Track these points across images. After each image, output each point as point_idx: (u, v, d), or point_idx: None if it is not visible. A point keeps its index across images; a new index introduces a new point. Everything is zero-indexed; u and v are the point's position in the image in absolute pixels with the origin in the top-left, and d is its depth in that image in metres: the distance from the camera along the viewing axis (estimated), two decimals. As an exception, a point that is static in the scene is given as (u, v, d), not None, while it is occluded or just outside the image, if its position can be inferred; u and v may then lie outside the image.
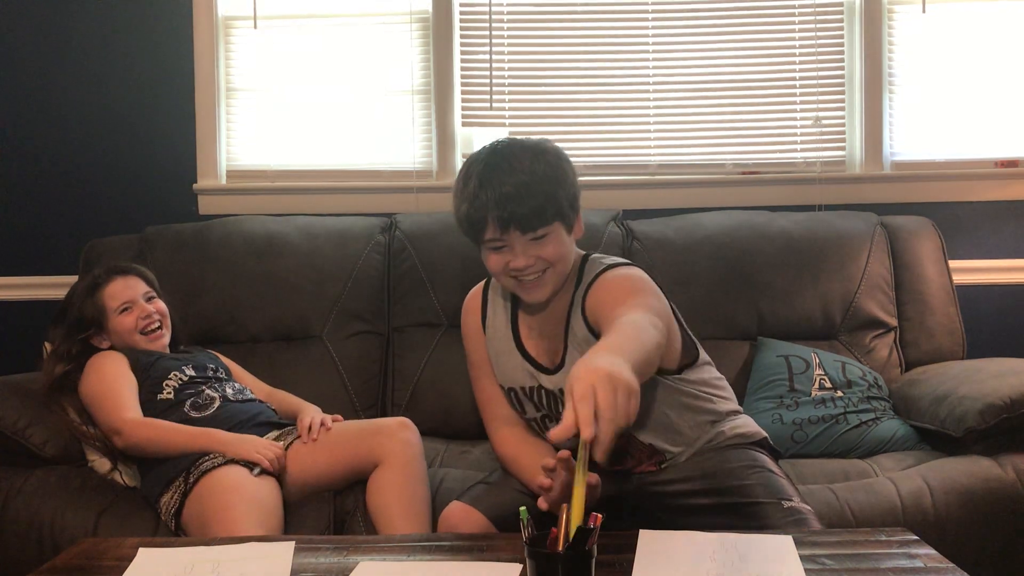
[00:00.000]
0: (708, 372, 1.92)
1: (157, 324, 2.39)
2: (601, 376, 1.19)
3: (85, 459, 2.32)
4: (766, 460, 1.84)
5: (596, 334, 1.72)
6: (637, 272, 1.80)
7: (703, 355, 1.92)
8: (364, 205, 3.02)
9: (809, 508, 1.71)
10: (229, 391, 2.29)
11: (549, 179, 1.71)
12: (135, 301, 2.38)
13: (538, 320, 1.83)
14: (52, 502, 2.14)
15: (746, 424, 1.91)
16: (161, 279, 2.75)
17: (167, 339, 2.42)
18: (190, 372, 2.33)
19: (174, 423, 2.16)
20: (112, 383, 2.23)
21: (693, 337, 1.91)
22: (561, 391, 1.75)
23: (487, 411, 1.94)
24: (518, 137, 1.80)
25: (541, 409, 1.83)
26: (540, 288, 1.75)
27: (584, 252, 1.87)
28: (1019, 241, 3.02)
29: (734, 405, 1.94)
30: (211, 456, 2.08)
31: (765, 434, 1.93)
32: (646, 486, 1.84)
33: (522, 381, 1.83)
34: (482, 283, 1.96)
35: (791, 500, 1.71)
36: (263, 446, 2.10)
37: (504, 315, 1.88)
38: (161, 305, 2.43)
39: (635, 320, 1.52)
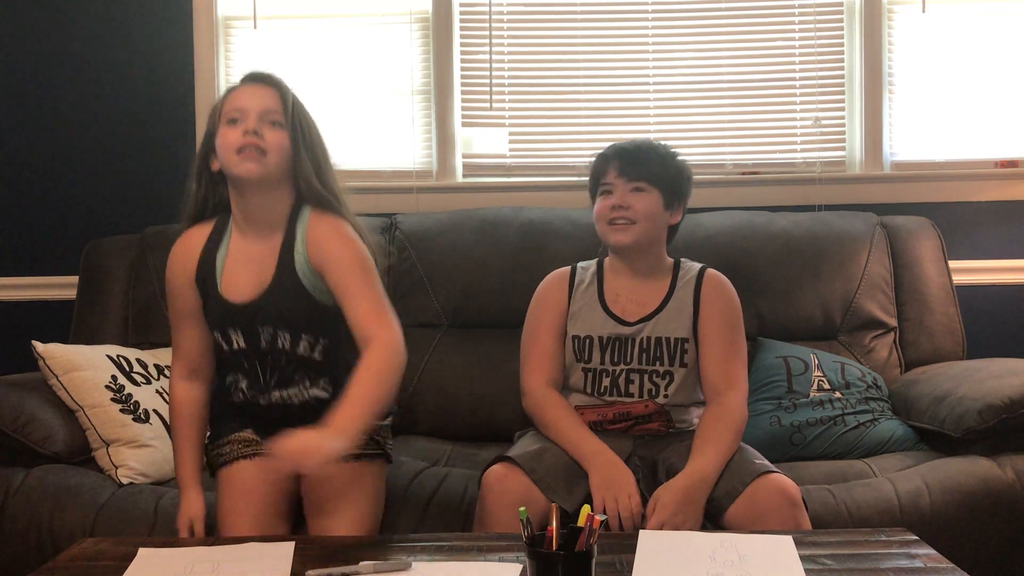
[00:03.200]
0: None
1: (257, 146, 1.81)
2: (679, 508, 1.81)
3: (85, 455, 2.32)
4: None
5: (698, 318, 2.09)
6: (735, 294, 2.15)
7: None
8: (364, 205, 3.00)
9: (770, 464, 1.95)
10: None
11: (664, 157, 2.12)
12: (247, 114, 1.83)
13: (630, 290, 2.13)
14: (51, 500, 2.14)
15: None
16: (161, 279, 2.75)
17: (262, 171, 1.82)
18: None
19: None
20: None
21: None
22: (634, 340, 2.08)
23: (540, 365, 2.12)
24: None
25: (605, 359, 2.08)
26: (624, 232, 2.07)
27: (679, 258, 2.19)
28: (1019, 241, 3.02)
29: None
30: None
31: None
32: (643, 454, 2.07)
33: (600, 331, 2.09)
34: (566, 269, 2.21)
35: (758, 459, 1.96)
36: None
37: (593, 283, 2.16)
38: (279, 138, 1.84)
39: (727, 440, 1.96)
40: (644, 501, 1.88)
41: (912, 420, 2.44)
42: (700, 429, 1.99)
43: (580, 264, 2.24)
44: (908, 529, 1.64)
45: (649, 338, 2.08)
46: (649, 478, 1.99)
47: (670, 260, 2.18)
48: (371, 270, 1.88)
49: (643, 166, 2.09)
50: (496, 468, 1.90)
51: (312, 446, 1.58)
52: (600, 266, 2.20)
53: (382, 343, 1.79)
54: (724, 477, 1.89)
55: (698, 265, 2.18)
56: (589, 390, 2.10)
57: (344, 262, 1.85)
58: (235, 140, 1.82)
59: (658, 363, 2.07)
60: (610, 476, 1.88)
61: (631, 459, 2.03)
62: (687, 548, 1.48)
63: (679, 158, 2.17)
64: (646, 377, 2.07)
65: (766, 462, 1.94)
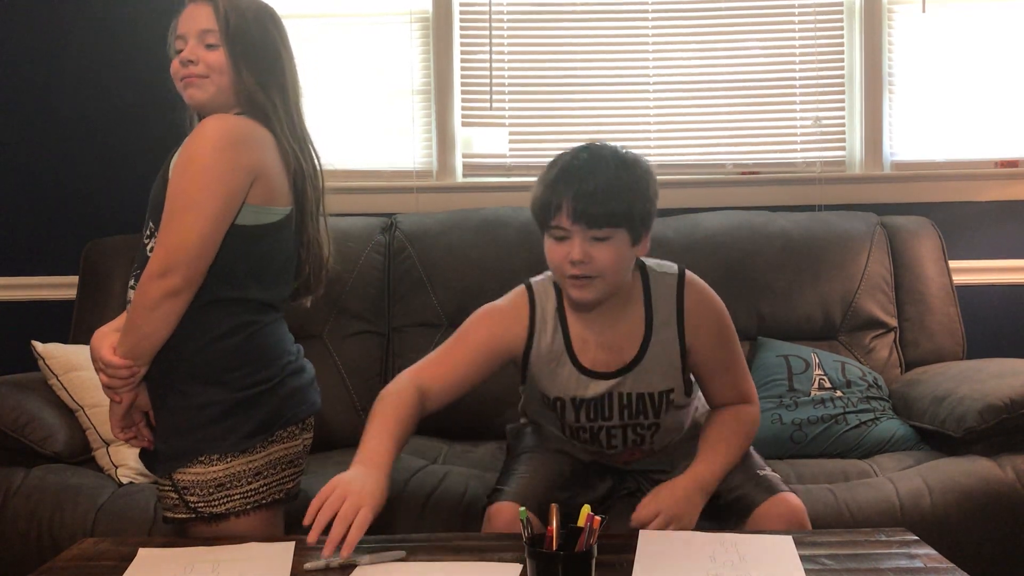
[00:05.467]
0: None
1: (195, 75, 1.78)
2: (680, 511, 1.70)
3: (85, 455, 2.32)
4: None
5: (685, 357, 1.84)
6: (719, 300, 1.88)
7: None
8: (364, 205, 3.02)
9: (776, 475, 1.87)
10: None
11: (630, 189, 1.74)
12: (186, 40, 1.80)
13: (596, 332, 1.83)
14: (51, 500, 2.14)
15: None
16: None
17: (205, 96, 1.79)
18: None
19: None
20: None
21: None
22: (611, 397, 1.83)
23: (425, 371, 1.81)
24: (615, 144, 1.84)
25: (581, 418, 1.85)
26: (586, 289, 1.75)
27: (642, 262, 1.88)
28: (1019, 241, 3.02)
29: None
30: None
31: None
32: (628, 471, 1.98)
33: (573, 391, 1.83)
34: (524, 298, 1.88)
35: (763, 469, 1.86)
36: None
37: (556, 332, 1.84)
38: (216, 58, 1.77)
39: (729, 442, 1.83)
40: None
41: (912, 420, 2.44)
42: (710, 429, 1.86)
43: (536, 290, 1.87)
44: (909, 529, 1.65)
45: (630, 395, 1.83)
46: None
47: (636, 281, 1.85)
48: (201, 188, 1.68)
49: (605, 208, 1.70)
50: (504, 508, 1.78)
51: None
52: (559, 299, 1.85)
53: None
54: (734, 490, 1.81)
55: (671, 276, 1.85)
56: (567, 435, 1.92)
57: (172, 181, 1.72)
58: (178, 70, 1.80)
59: (641, 416, 1.85)
60: (348, 480, 1.52)
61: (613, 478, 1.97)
62: (687, 548, 1.48)
63: (643, 169, 1.80)
64: (629, 430, 1.87)
65: (774, 477, 1.86)
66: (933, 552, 1.46)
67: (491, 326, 1.85)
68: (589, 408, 1.83)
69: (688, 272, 1.87)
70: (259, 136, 1.76)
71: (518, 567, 1.40)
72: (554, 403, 1.85)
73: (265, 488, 1.78)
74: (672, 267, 1.87)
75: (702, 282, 1.88)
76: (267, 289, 1.82)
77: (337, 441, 2.64)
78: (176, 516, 1.76)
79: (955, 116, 3.04)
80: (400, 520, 2.08)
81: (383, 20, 3.10)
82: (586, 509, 1.29)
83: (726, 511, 1.81)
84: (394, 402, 1.73)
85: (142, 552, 1.52)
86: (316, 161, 1.89)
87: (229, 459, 1.74)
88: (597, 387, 1.82)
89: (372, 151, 3.12)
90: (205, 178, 1.69)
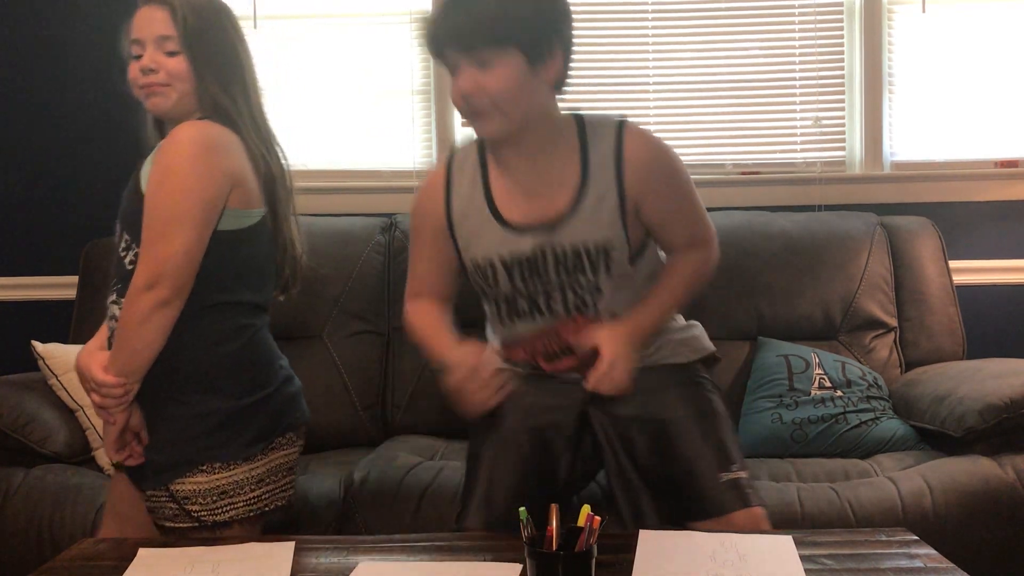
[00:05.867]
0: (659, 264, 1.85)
1: (156, 84, 1.77)
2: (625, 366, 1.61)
3: (85, 455, 2.32)
4: (710, 397, 1.82)
5: (626, 207, 1.68)
6: (666, 146, 1.76)
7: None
8: (364, 205, 3.02)
9: (746, 474, 1.72)
10: None
11: (512, 3, 1.56)
12: (144, 45, 1.78)
13: (521, 181, 1.69)
14: (51, 500, 2.14)
15: (692, 334, 1.92)
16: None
17: (168, 104, 1.79)
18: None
19: None
20: None
21: None
22: (544, 255, 1.68)
23: (413, 286, 1.86)
24: None
25: (517, 282, 1.71)
26: (484, 122, 1.62)
27: (576, 112, 1.75)
28: (1019, 241, 3.02)
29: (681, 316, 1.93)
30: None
31: (712, 347, 1.94)
32: (595, 405, 1.78)
33: (500, 251, 1.69)
34: (442, 163, 1.82)
35: (729, 470, 1.70)
36: None
37: (474, 186, 1.73)
38: (176, 64, 1.76)
39: (675, 295, 1.75)
40: (608, 498, 1.75)
41: (912, 420, 2.44)
42: (659, 280, 1.77)
43: (458, 150, 1.78)
44: (910, 528, 1.65)
45: (564, 249, 1.67)
46: (624, 449, 1.74)
47: (568, 121, 1.71)
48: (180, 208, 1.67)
49: (480, 25, 1.54)
50: (468, 528, 1.72)
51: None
52: (482, 150, 1.73)
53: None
54: (700, 491, 1.68)
55: (610, 123, 1.70)
56: (506, 317, 1.76)
57: (147, 199, 1.71)
58: (137, 77, 1.78)
59: (579, 274, 1.69)
60: (469, 369, 1.61)
61: (590, 423, 1.77)
62: (687, 548, 1.48)
63: None
64: (570, 292, 1.70)
65: (746, 483, 1.72)
66: (933, 552, 1.46)
67: (417, 209, 1.82)
68: (523, 269, 1.69)
69: (630, 121, 1.73)
70: (231, 141, 1.75)
71: (518, 567, 1.40)
72: (486, 271, 1.72)
73: (268, 495, 1.78)
74: (613, 117, 1.73)
75: (645, 130, 1.75)
76: (256, 291, 1.81)
77: (337, 441, 2.65)
78: (178, 526, 1.73)
79: (955, 116, 3.04)
80: (398, 514, 2.09)
81: (382, 20, 3.10)
82: (586, 509, 1.29)
83: (695, 508, 1.70)
84: (423, 318, 1.79)
85: (142, 552, 1.52)
86: (283, 162, 1.88)
87: (232, 467, 1.73)
88: (526, 242, 1.68)
89: (372, 151, 3.12)
90: (185, 188, 1.68)
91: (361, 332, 2.75)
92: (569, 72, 1.70)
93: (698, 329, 1.95)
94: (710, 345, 1.94)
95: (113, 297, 1.77)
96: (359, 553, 1.50)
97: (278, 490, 1.80)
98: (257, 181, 1.79)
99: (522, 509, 1.28)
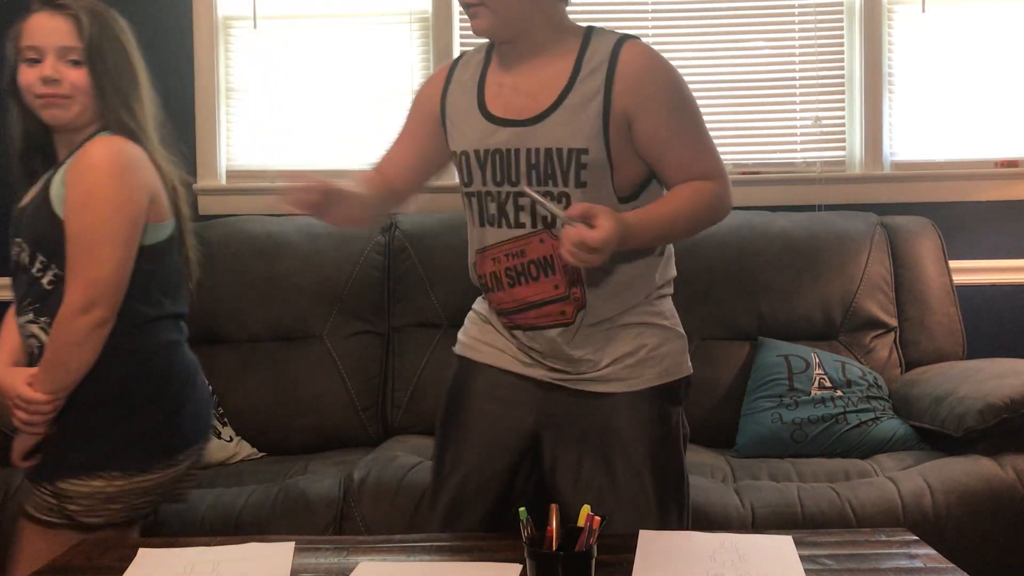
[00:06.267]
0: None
1: (59, 95, 1.73)
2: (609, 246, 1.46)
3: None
4: (669, 446, 1.69)
5: (610, 117, 1.58)
6: (671, 65, 1.65)
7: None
8: (364, 205, 3.01)
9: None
10: None
11: None
12: (44, 53, 1.73)
13: (514, 79, 1.65)
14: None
15: (669, 349, 1.71)
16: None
17: (68, 116, 1.75)
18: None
19: None
20: None
21: None
22: (518, 153, 1.62)
23: (378, 163, 1.84)
24: None
25: (488, 179, 1.65)
26: (476, 17, 1.60)
27: (591, 25, 1.70)
28: (1019, 241, 3.02)
29: (669, 273, 1.76)
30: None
31: (689, 370, 1.73)
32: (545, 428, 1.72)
33: (478, 142, 1.65)
34: (452, 59, 1.81)
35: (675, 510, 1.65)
36: None
37: (473, 77, 1.70)
38: (79, 77, 1.73)
39: (687, 209, 1.61)
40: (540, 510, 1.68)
41: (912, 420, 2.44)
42: (662, 199, 1.64)
43: (471, 49, 1.75)
44: (910, 528, 1.65)
45: (538, 149, 1.59)
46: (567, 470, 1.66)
47: (577, 31, 1.66)
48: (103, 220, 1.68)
49: None
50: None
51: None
52: (491, 49, 1.70)
53: None
54: (633, 513, 1.62)
55: (613, 35, 1.64)
56: (477, 220, 1.69)
57: (72, 202, 1.71)
58: (35, 85, 1.73)
59: (550, 182, 1.59)
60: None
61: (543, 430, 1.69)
62: (687, 548, 1.48)
63: None
64: (538, 204, 1.60)
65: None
66: (933, 552, 1.46)
67: (417, 94, 1.81)
68: (495, 163, 1.63)
69: (637, 38, 1.65)
70: (141, 155, 1.77)
71: (518, 567, 1.40)
72: (462, 162, 1.68)
73: (148, 505, 1.80)
74: (623, 32, 1.68)
75: (650, 47, 1.65)
76: (177, 302, 1.84)
77: (337, 441, 2.65)
78: (45, 519, 1.74)
79: (955, 116, 3.04)
80: (398, 515, 2.09)
81: (383, 20, 3.10)
82: (586, 509, 1.29)
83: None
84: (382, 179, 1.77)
85: (142, 552, 1.52)
86: (178, 173, 1.88)
87: (132, 477, 1.75)
88: (502, 135, 1.62)
89: (372, 151, 3.11)
90: (109, 208, 1.70)
91: (361, 332, 2.75)
92: None
93: (678, 343, 1.73)
94: (687, 366, 1.75)
95: (30, 316, 1.77)
96: (359, 553, 1.50)
97: (161, 497, 1.83)
98: (165, 193, 1.81)
99: (522, 509, 1.28)
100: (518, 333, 1.70)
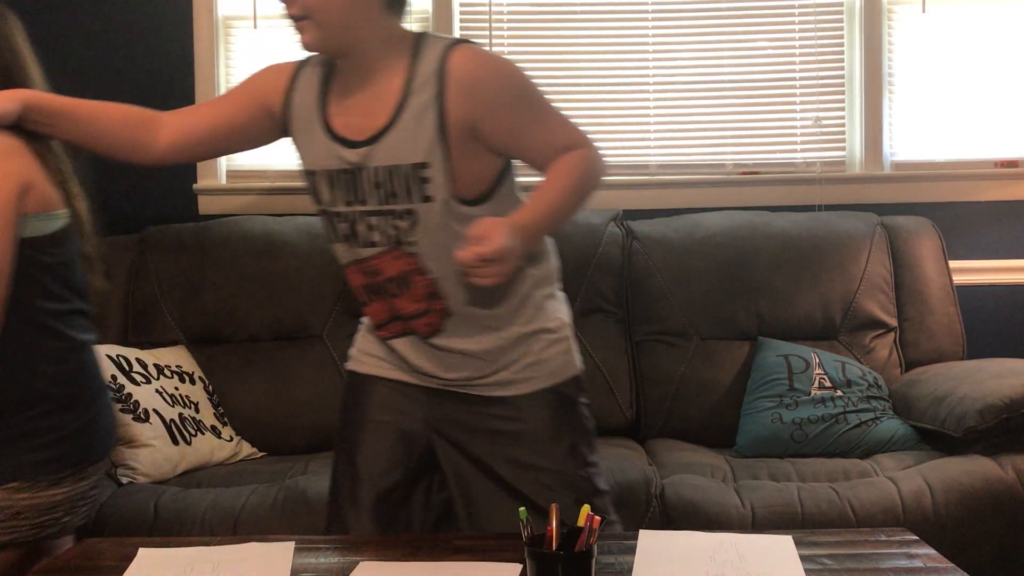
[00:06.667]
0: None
1: None
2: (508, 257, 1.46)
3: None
4: (568, 447, 1.69)
5: (447, 128, 1.57)
6: (502, 61, 1.65)
7: (512, 179, 1.70)
8: (364, 205, 3.02)
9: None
10: None
11: None
12: None
13: (352, 95, 1.64)
14: (52, 502, 2.14)
15: (557, 349, 1.72)
16: (161, 279, 2.76)
17: None
18: None
19: None
20: None
21: None
22: (362, 172, 1.61)
23: (187, 110, 1.81)
24: None
25: (338, 199, 1.64)
26: (303, 33, 1.58)
27: (422, 32, 1.68)
28: (1019, 241, 3.02)
29: (548, 267, 1.75)
30: None
31: (579, 367, 1.74)
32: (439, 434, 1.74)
33: (326, 163, 1.64)
34: (301, 57, 1.75)
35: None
36: None
37: (315, 93, 1.68)
38: None
39: (560, 195, 1.61)
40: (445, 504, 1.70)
41: (912, 420, 2.44)
42: (543, 182, 1.63)
43: (311, 60, 1.71)
44: (910, 528, 1.65)
45: (379, 168, 1.59)
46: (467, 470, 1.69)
47: (408, 40, 1.63)
48: None
49: None
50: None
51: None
52: (330, 63, 1.68)
53: None
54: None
55: (443, 41, 1.62)
56: (332, 237, 1.69)
57: None
58: None
59: (393, 200, 1.59)
60: None
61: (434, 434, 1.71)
62: (687, 548, 1.48)
63: None
64: (385, 220, 1.61)
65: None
66: (933, 552, 1.46)
67: (258, 72, 1.76)
68: (344, 184, 1.63)
69: (470, 41, 1.64)
70: (13, 144, 1.66)
71: (518, 567, 1.40)
72: (310, 180, 1.67)
73: (52, 523, 1.67)
74: (453, 37, 1.66)
75: (476, 49, 1.62)
76: (82, 296, 1.73)
77: (337, 441, 2.64)
78: None
79: (955, 116, 3.04)
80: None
81: (383, 20, 3.10)
82: (586, 509, 1.28)
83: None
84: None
85: (142, 552, 1.52)
86: (76, 176, 1.80)
87: (38, 491, 1.64)
88: (346, 155, 1.62)
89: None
90: None
91: (361, 332, 2.75)
92: None
93: (563, 344, 1.73)
94: (577, 364, 1.75)
95: None
96: (359, 553, 1.50)
97: (63, 518, 1.69)
98: (51, 184, 1.72)
99: (522, 509, 1.28)
100: (395, 344, 1.71)
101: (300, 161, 1.70)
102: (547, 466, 1.67)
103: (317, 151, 1.65)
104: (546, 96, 1.67)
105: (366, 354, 1.79)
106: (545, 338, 1.71)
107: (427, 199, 1.58)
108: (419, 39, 1.63)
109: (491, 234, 1.46)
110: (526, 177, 1.69)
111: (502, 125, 1.60)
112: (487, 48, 3.01)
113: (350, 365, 1.82)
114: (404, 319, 1.67)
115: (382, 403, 1.76)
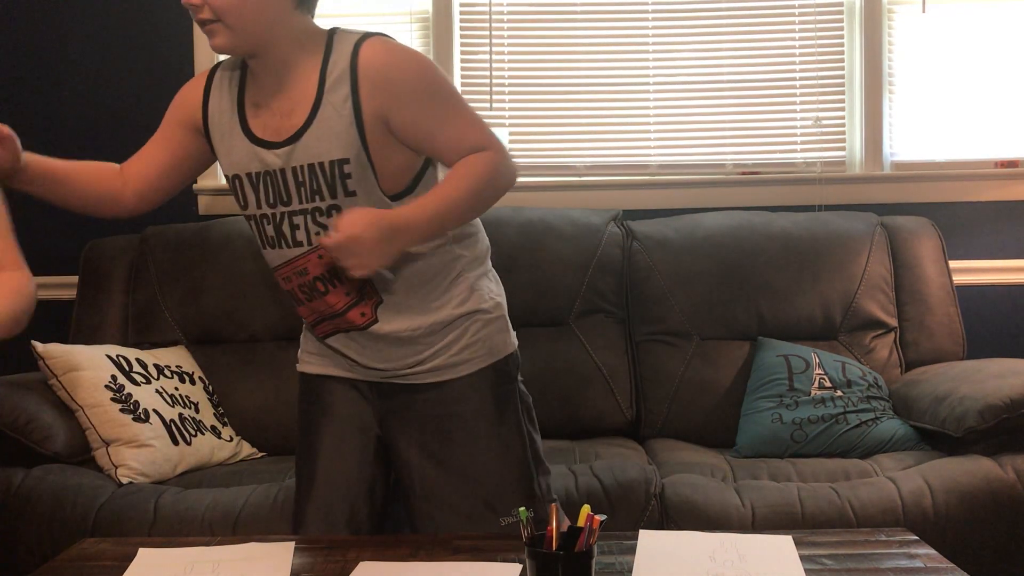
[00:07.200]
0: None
1: None
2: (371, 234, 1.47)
3: (85, 455, 2.32)
4: (510, 423, 1.74)
5: (363, 121, 1.58)
6: (413, 54, 1.63)
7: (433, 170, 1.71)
8: (364, 205, 3.02)
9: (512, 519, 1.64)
10: None
11: None
12: None
13: (268, 96, 1.64)
14: (51, 500, 2.14)
15: (489, 331, 1.74)
16: (162, 279, 2.76)
17: None
18: None
19: None
20: None
21: None
22: (284, 172, 1.62)
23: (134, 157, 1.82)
24: None
25: (262, 202, 1.66)
26: (212, 36, 1.58)
27: (334, 28, 1.68)
28: (1019, 241, 3.02)
29: (478, 249, 1.77)
30: None
31: (514, 344, 1.77)
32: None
33: (247, 166, 1.65)
34: (212, 65, 1.78)
35: (508, 516, 1.67)
36: None
37: (230, 97, 1.69)
38: None
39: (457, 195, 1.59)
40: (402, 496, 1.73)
41: (913, 420, 2.44)
42: (441, 181, 1.65)
43: (228, 59, 1.70)
44: (910, 528, 1.65)
45: (302, 167, 1.60)
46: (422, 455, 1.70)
47: (320, 36, 1.64)
48: None
49: None
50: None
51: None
52: (244, 64, 1.67)
53: None
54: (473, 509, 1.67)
55: (353, 36, 1.63)
56: (259, 242, 1.71)
57: None
58: None
59: (317, 198, 1.60)
60: None
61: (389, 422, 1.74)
62: (687, 548, 1.48)
63: None
64: (309, 218, 1.62)
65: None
66: (933, 552, 1.46)
67: (176, 100, 1.78)
68: (267, 185, 1.64)
69: (382, 34, 1.65)
70: None
71: (518, 567, 1.40)
72: (235, 185, 1.68)
73: None
74: (364, 30, 1.66)
75: (394, 41, 1.63)
76: None
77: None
78: None
79: (955, 116, 3.04)
80: (391, 513, 2.08)
81: (383, 20, 3.10)
82: (586, 509, 1.29)
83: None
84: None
85: (142, 552, 1.52)
86: None
87: None
88: (268, 157, 1.62)
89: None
90: None
91: (361, 332, 2.75)
92: None
93: (498, 323, 1.75)
94: (512, 342, 1.78)
95: None
96: (359, 553, 1.50)
97: None
98: None
99: (522, 509, 1.28)
100: (330, 342, 1.74)
101: (222, 167, 1.71)
102: (491, 444, 1.70)
103: (238, 155, 1.66)
104: (460, 95, 1.69)
105: (310, 353, 1.82)
106: (481, 319, 1.73)
107: (351, 194, 1.59)
108: (331, 35, 1.64)
109: (344, 225, 1.47)
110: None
111: (410, 119, 1.60)
112: (487, 48, 3.01)
113: (299, 367, 1.85)
114: (336, 316, 1.69)
115: (334, 402, 1.78)
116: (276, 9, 1.59)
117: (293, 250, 1.66)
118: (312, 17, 1.67)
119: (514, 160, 1.70)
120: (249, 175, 1.66)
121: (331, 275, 1.65)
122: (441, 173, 1.71)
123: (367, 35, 1.63)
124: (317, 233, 1.62)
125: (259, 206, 1.66)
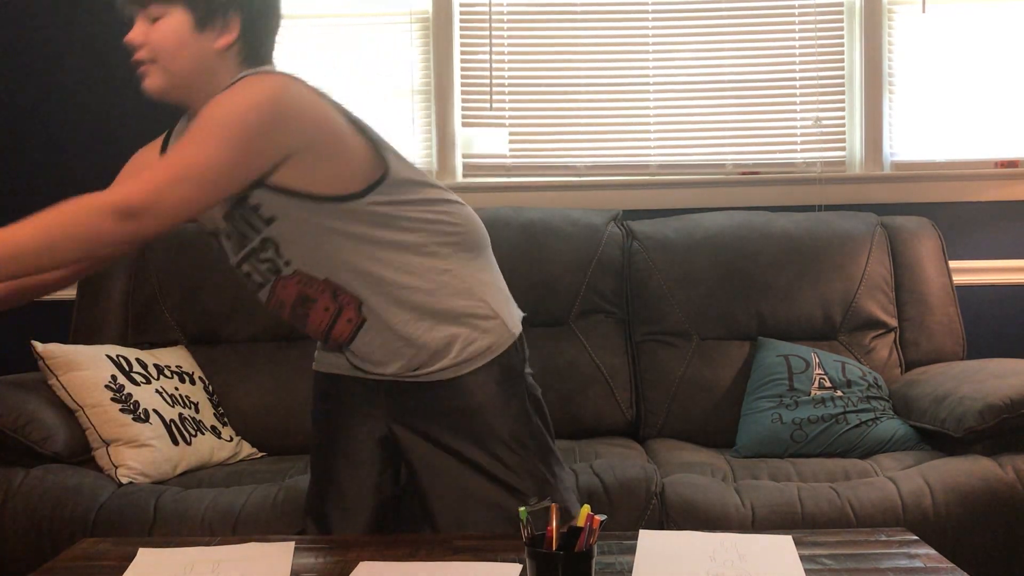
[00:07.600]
0: (419, 194, 1.69)
1: None
2: None
3: (85, 455, 2.32)
4: (519, 414, 1.72)
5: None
6: (250, 93, 1.52)
7: (399, 170, 1.71)
8: (364, 205, 3.02)
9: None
10: None
11: None
12: None
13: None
14: (51, 500, 2.14)
15: (489, 324, 1.70)
16: (162, 279, 2.76)
17: None
18: None
19: None
20: None
21: (385, 149, 1.73)
22: (228, 217, 1.61)
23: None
24: None
25: (224, 243, 1.68)
26: (145, 77, 1.60)
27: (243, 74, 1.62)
28: (1019, 241, 3.02)
29: (471, 238, 1.72)
30: None
31: (515, 333, 1.72)
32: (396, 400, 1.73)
33: (216, 223, 1.66)
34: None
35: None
36: None
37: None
38: None
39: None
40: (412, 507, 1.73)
41: (912, 420, 2.44)
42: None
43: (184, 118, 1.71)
44: (910, 528, 1.65)
45: (228, 215, 1.60)
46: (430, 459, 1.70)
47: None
48: None
49: None
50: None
51: None
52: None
53: None
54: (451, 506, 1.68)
55: (238, 78, 1.59)
56: (249, 291, 1.73)
57: None
58: None
59: (247, 240, 1.61)
60: None
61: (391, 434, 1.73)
62: (687, 548, 1.48)
63: None
64: (255, 260, 1.63)
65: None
66: (933, 552, 1.46)
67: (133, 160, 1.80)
68: (232, 239, 1.64)
69: (263, 73, 1.60)
70: None
71: (518, 567, 1.40)
72: (213, 243, 1.72)
73: None
74: (256, 71, 1.62)
75: (253, 81, 1.54)
76: None
77: (337, 441, 2.64)
78: None
79: (955, 116, 3.04)
80: (401, 516, 2.08)
81: (383, 20, 3.10)
82: (586, 509, 1.29)
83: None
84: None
85: (142, 552, 1.52)
86: None
87: None
88: (216, 215, 1.62)
89: (372, 151, 3.11)
90: None
91: (361, 332, 2.75)
92: (261, 43, 1.67)
93: (493, 321, 1.71)
94: (510, 332, 1.72)
95: None
96: (359, 553, 1.50)
97: None
98: None
99: (522, 509, 1.28)
100: (340, 352, 1.75)
101: (203, 224, 1.69)
102: (502, 435, 1.69)
103: (206, 215, 1.63)
104: (240, 152, 1.50)
105: (323, 353, 1.83)
106: (478, 324, 1.71)
107: (270, 220, 1.58)
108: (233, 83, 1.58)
109: None
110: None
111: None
112: (487, 48, 3.01)
113: (315, 366, 1.86)
114: (326, 333, 1.70)
115: (343, 399, 1.79)
116: (207, 57, 1.59)
117: (265, 290, 1.69)
118: (265, 65, 1.67)
119: (144, 227, 1.47)
120: (214, 231, 1.68)
121: (302, 298, 1.65)
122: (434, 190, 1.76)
123: (245, 75, 1.59)
124: (268, 271, 1.64)
125: (238, 266, 1.68)
